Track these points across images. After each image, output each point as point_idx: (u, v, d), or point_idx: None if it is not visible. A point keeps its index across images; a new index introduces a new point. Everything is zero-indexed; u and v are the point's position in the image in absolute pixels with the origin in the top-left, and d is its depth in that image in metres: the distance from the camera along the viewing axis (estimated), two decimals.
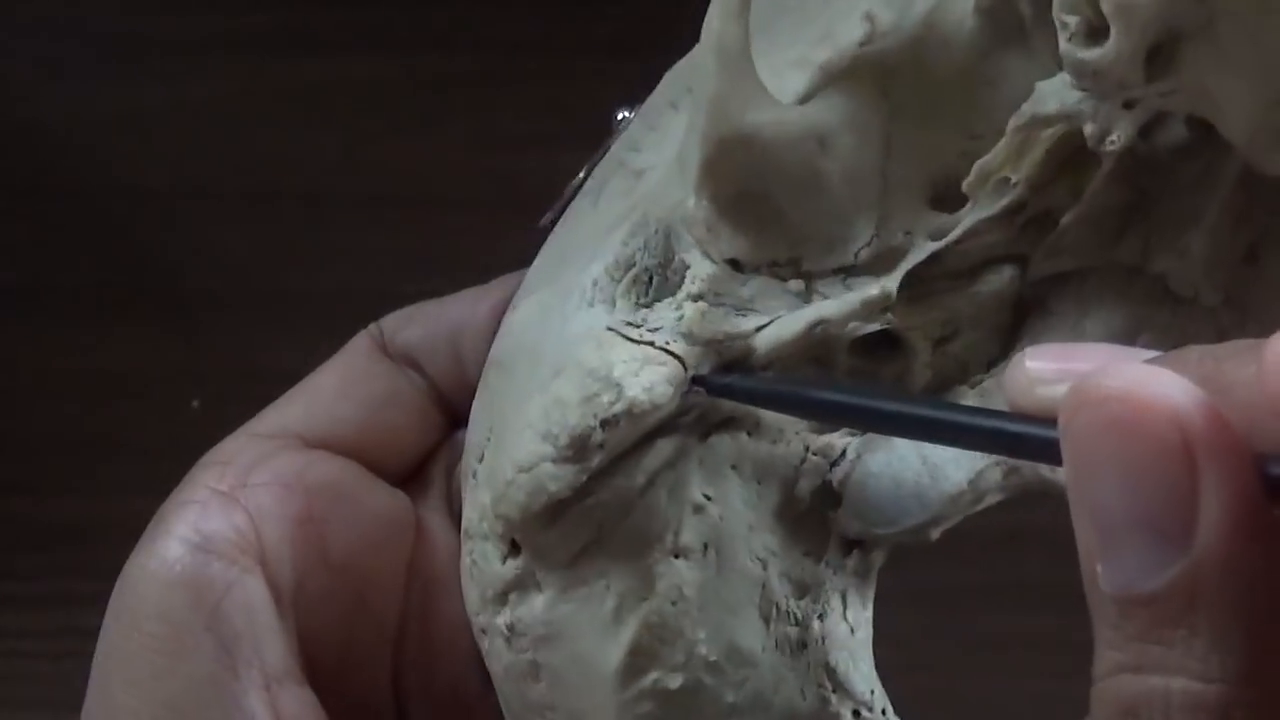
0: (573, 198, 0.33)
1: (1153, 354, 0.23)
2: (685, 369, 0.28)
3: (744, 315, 0.29)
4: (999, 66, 0.29)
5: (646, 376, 0.28)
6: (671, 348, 0.28)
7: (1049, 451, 0.22)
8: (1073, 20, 0.26)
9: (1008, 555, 0.57)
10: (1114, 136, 0.27)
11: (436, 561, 0.34)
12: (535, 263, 0.33)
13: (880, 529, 0.30)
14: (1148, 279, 0.30)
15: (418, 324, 0.35)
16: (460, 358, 0.34)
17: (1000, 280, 0.30)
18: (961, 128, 0.29)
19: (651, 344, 0.28)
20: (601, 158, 0.33)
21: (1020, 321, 0.31)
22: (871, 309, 0.29)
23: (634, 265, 0.29)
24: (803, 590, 0.30)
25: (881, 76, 0.29)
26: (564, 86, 0.66)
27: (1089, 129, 0.27)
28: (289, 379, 0.35)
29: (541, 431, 0.28)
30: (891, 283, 0.29)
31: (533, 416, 0.29)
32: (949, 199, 0.29)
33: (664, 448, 0.29)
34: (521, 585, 0.30)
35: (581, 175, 0.33)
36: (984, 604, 0.61)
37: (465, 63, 0.70)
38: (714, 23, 0.28)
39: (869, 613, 0.31)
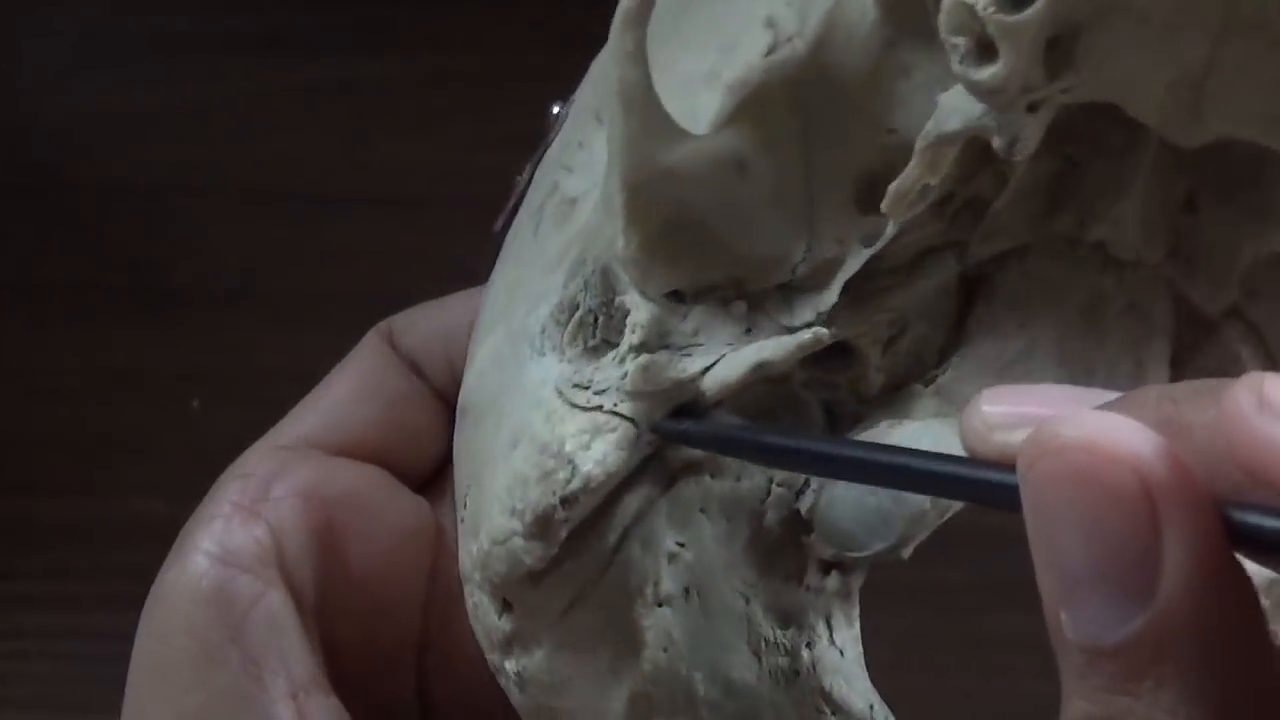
0: (520, 200, 0.33)
1: (1112, 395, 0.23)
2: (636, 428, 0.28)
3: (689, 356, 0.28)
4: (908, 56, 0.28)
5: (598, 448, 0.28)
6: (619, 409, 0.28)
7: (1009, 498, 0.22)
8: (961, 41, 0.26)
9: (1008, 555, 0.56)
10: (1021, 145, 0.27)
11: (456, 569, 0.33)
12: (489, 287, 0.33)
13: (852, 552, 0.30)
14: (1087, 247, 0.30)
15: (418, 326, 0.35)
16: (452, 363, 0.34)
17: (941, 269, 0.30)
18: (877, 124, 0.28)
19: (599, 408, 0.28)
20: (542, 154, 0.33)
21: (967, 306, 0.31)
22: (807, 349, 0.29)
23: (577, 308, 0.29)
24: (787, 619, 0.30)
25: (791, 89, 0.28)
26: (564, 86, 0.66)
27: (996, 142, 0.27)
28: (289, 379, 0.35)
29: (508, 507, 0.29)
30: (826, 307, 0.29)
31: (499, 489, 0.29)
32: (876, 196, 0.28)
33: (631, 503, 0.29)
34: (520, 640, 0.30)
35: (526, 174, 0.33)
36: (984, 604, 0.61)
37: (465, 63, 0.70)
38: (612, 67, 0.27)
39: (855, 630, 0.31)
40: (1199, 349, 0.31)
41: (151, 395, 0.66)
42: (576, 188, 0.31)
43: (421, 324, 0.35)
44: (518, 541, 0.28)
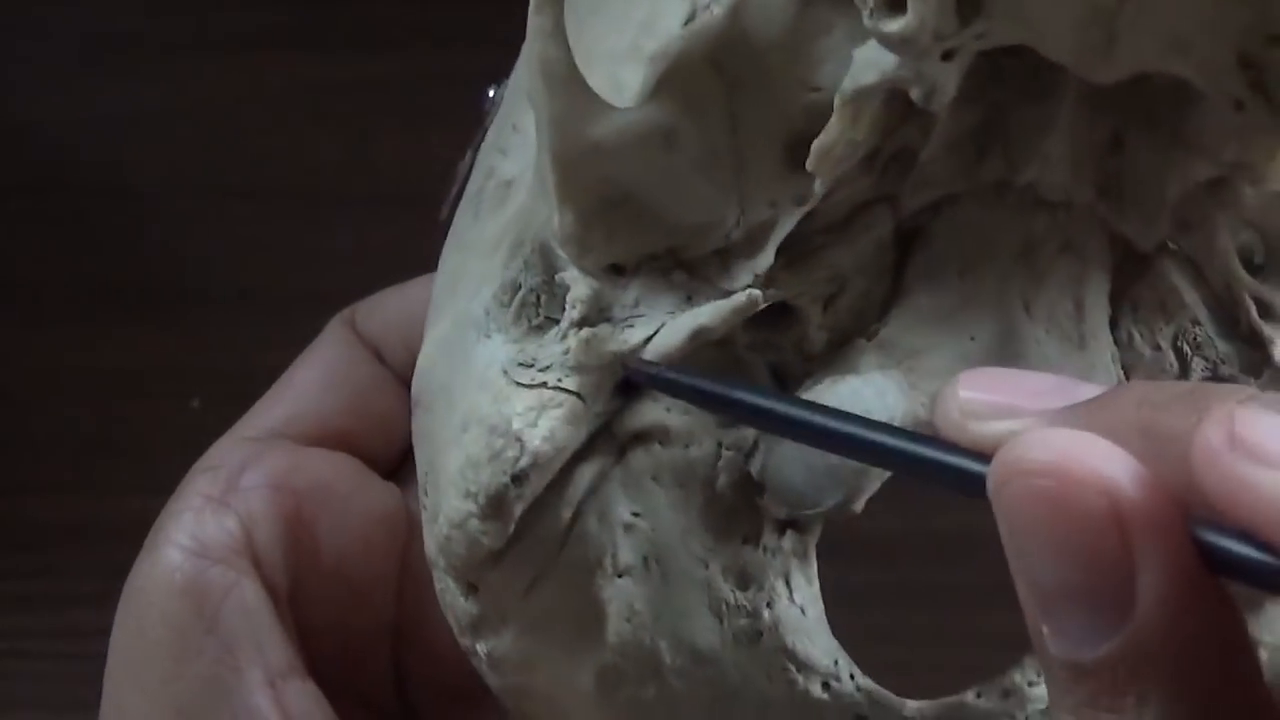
0: (463, 187, 0.33)
1: (1090, 388, 0.23)
2: (583, 402, 0.28)
3: (631, 327, 0.29)
4: (826, 13, 0.28)
5: (545, 424, 0.28)
6: (564, 384, 0.28)
7: (980, 487, 0.22)
8: None
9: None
10: (939, 94, 0.27)
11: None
12: (439, 273, 0.33)
13: (805, 510, 0.30)
14: (1017, 192, 0.30)
15: (380, 313, 0.36)
16: (412, 348, 0.34)
17: (875, 224, 0.30)
18: (801, 83, 0.28)
19: (544, 385, 0.28)
20: (482, 139, 0.33)
21: (904, 258, 0.31)
22: (743, 312, 0.29)
23: (519, 288, 0.29)
24: (746, 581, 0.30)
25: (712, 55, 0.28)
26: None
27: (914, 93, 0.27)
28: None
29: (462, 490, 0.29)
30: (762, 270, 0.29)
31: (453, 473, 0.29)
32: (805, 155, 0.28)
33: (583, 477, 0.29)
34: (487, 622, 0.30)
35: (467, 160, 0.33)
36: (984, 604, 0.60)
37: (465, 61, 0.70)
38: (534, 45, 0.27)
39: (815, 588, 0.30)
40: (1137, 282, 0.31)
41: (151, 395, 0.66)
42: (511, 170, 0.31)
43: (383, 310, 0.36)
44: (474, 523, 0.29)
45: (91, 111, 0.70)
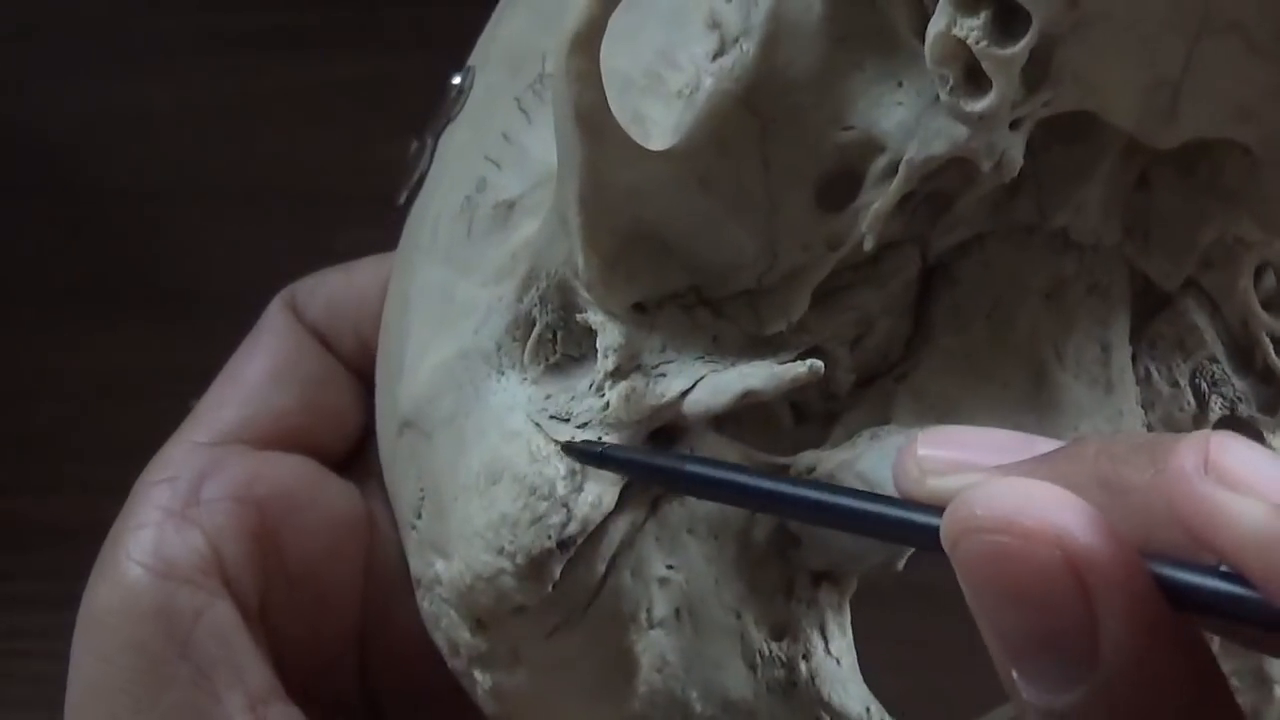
0: (424, 175, 0.32)
1: (1049, 443, 0.22)
2: None
3: (663, 376, 0.28)
4: (858, 51, 0.27)
5: (592, 490, 0.28)
6: (605, 442, 0.28)
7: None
8: (949, 71, 0.26)
9: None
10: (1008, 162, 0.27)
11: (389, 556, 0.33)
12: (412, 273, 0.31)
13: (846, 566, 0.30)
14: (1046, 233, 0.30)
15: (323, 296, 0.34)
16: (360, 334, 0.33)
17: (904, 264, 0.29)
18: (833, 122, 0.28)
19: None
20: (444, 125, 0.32)
21: (926, 294, 0.30)
22: (800, 383, 0.28)
23: (534, 323, 0.29)
24: (780, 632, 0.30)
25: (746, 95, 0.27)
26: None
27: (985, 166, 0.27)
28: None
29: (494, 546, 0.28)
30: (795, 317, 0.29)
31: (479, 525, 0.28)
32: (836, 194, 0.28)
33: (617, 529, 0.28)
34: (496, 659, 0.30)
35: (429, 146, 0.32)
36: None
37: (465, 62, 0.70)
38: (567, 88, 0.26)
39: (849, 637, 0.30)
40: (1155, 318, 0.31)
41: (151, 395, 0.65)
42: (511, 188, 0.30)
43: (327, 294, 0.34)
44: (508, 580, 0.28)
45: (92, 111, 0.70)
